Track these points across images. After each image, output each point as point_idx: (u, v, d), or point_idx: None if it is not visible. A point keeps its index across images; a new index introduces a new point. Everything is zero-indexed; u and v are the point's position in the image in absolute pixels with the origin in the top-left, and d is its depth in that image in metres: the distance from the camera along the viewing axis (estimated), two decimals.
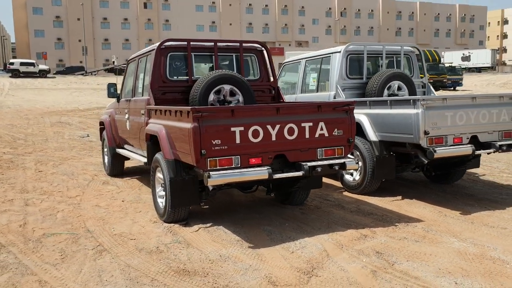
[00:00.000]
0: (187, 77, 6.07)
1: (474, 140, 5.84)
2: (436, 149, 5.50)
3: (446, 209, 5.84)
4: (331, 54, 7.28)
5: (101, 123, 8.69)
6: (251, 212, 5.81)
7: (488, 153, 6.05)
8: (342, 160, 4.95)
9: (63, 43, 75.53)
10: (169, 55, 5.97)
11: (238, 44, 6.31)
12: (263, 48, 6.50)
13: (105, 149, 8.52)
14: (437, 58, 40.21)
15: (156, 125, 5.40)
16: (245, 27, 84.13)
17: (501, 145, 5.89)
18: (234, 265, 4.14)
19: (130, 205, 6.27)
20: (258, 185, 5.63)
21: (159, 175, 5.59)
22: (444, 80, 38.71)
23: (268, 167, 4.62)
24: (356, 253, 4.35)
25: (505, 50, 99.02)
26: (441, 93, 34.83)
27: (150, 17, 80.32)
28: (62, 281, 3.90)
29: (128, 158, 8.18)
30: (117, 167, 8.19)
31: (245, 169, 4.55)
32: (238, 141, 4.54)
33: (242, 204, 6.19)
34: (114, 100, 7.85)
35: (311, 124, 4.85)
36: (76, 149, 11.33)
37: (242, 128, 4.54)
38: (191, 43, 6.02)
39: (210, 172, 4.40)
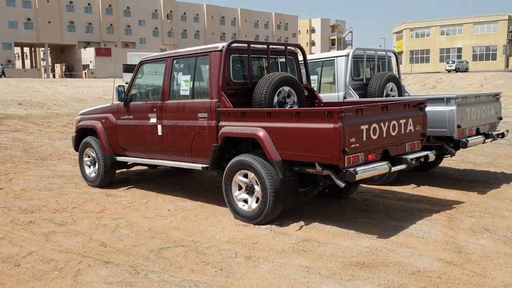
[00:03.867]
0: (247, 80, 6.04)
1: (478, 132, 6.99)
2: (468, 139, 6.49)
3: (463, 191, 6.86)
4: (335, 58, 7.84)
5: (80, 131, 7.85)
6: (314, 208, 6.04)
7: (484, 142, 7.23)
8: (425, 153, 5.57)
9: None
10: (231, 57, 5.87)
11: (283, 47, 6.46)
12: (299, 51, 6.74)
13: (86, 159, 7.73)
14: None
15: (248, 128, 5.32)
16: (66, 26, 78.53)
17: (496, 135, 7.16)
18: (395, 254, 4.44)
19: (185, 213, 5.97)
20: None
21: (240, 178, 5.52)
22: None
23: (387, 161, 5.02)
24: (471, 232, 5.02)
25: None
26: None
27: None
28: None
29: (122, 167, 7.64)
30: (110, 177, 7.54)
31: (373, 165, 4.87)
32: (364, 138, 4.83)
33: None
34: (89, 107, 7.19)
35: (405, 120, 5.37)
36: None
37: (367, 126, 4.85)
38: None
39: (356, 168, 4.63)
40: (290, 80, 6.03)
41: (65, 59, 78.82)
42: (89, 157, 7.72)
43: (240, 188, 5.61)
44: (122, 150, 7.19)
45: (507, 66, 62.87)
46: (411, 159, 5.31)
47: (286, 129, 5.02)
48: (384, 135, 5.09)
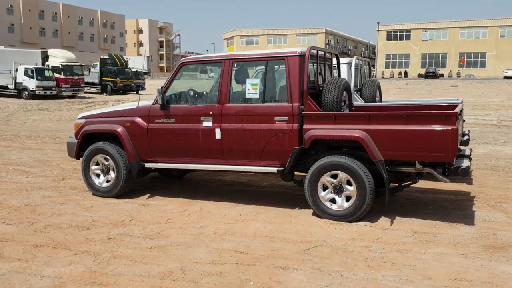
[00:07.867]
0: (314, 84, 6.26)
1: None
2: (468, 139, 7.65)
3: (455, 183, 8.00)
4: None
5: (85, 136, 7.02)
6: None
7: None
8: (469, 150, 6.50)
9: None
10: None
11: (330, 54, 6.81)
12: (333, 56, 7.15)
13: (94, 167, 6.97)
14: (124, 63, 41.72)
15: (344, 130, 5.60)
16: None
17: (465, 140, 8.52)
18: (503, 236, 5.11)
19: (262, 217, 5.97)
20: None
21: (328, 178, 5.76)
22: (132, 84, 40.89)
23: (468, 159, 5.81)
24: None
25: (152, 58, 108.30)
26: (130, 96, 36.86)
27: None
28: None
29: (144, 174, 7.11)
30: (129, 186, 6.96)
31: (465, 161, 5.60)
32: (458, 138, 5.55)
33: None
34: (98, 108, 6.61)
35: (460, 122, 6.23)
36: None
37: (459, 128, 5.57)
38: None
39: (469, 165, 5.33)
40: (348, 85, 6.46)
41: None
42: (98, 164, 6.97)
43: (324, 188, 5.84)
44: (152, 156, 6.71)
45: None
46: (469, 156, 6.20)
47: (392, 131, 5.45)
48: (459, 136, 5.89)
